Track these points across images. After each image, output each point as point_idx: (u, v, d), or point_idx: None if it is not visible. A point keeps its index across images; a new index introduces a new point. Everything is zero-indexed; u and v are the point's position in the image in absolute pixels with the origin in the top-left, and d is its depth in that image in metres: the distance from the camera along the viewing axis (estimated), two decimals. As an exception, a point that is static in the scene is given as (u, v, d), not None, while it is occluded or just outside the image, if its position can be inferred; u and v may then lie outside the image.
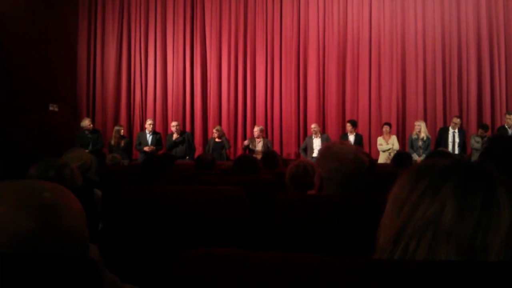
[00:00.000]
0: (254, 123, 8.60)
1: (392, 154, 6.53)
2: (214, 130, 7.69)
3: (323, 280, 0.56)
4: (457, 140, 7.27)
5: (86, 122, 7.42)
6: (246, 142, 7.66)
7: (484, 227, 0.59)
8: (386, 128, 7.51)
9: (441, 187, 0.62)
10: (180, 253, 0.63)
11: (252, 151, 7.39)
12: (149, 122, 7.69)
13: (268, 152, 4.34)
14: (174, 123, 7.64)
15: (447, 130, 7.41)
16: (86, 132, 7.39)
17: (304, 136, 8.47)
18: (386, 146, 7.39)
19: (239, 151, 8.30)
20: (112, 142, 7.48)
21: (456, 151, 7.15)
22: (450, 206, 0.60)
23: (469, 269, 0.55)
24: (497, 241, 0.58)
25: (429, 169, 0.66)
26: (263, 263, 0.58)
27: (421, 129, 7.23)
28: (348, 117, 8.32)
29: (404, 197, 0.65)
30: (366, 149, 8.12)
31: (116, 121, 8.76)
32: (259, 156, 5.11)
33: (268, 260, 0.59)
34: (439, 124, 8.26)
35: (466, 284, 0.53)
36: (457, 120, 7.31)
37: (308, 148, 7.64)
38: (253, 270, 0.58)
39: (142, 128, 8.46)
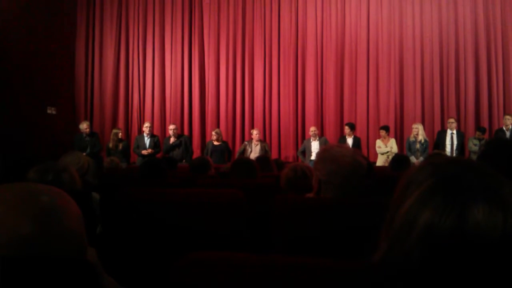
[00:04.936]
0: (252, 126, 8.60)
1: (390, 157, 6.53)
2: (213, 133, 7.62)
3: (321, 282, 0.56)
4: (455, 142, 7.30)
5: (84, 125, 7.42)
6: (241, 148, 7.67)
7: None
8: (382, 133, 7.50)
9: (424, 209, 0.61)
10: (180, 256, 0.63)
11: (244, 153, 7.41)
12: (146, 125, 7.68)
13: (261, 156, 4.49)
14: (172, 127, 7.63)
15: (445, 132, 7.44)
16: (84, 135, 7.38)
17: (302, 139, 8.48)
18: (385, 149, 7.39)
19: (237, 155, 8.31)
20: (110, 145, 7.47)
21: (454, 154, 7.18)
22: None
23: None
24: None
25: (421, 181, 0.65)
26: (261, 266, 0.58)
27: (418, 132, 7.24)
28: (346, 120, 8.32)
29: (398, 204, 0.65)
30: (364, 151, 8.13)
31: (114, 124, 8.75)
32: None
33: (267, 263, 0.59)
34: (437, 127, 8.28)
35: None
36: (452, 120, 7.39)
37: (306, 151, 7.65)
38: (252, 273, 0.58)
39: (140, 131, 8.45)
